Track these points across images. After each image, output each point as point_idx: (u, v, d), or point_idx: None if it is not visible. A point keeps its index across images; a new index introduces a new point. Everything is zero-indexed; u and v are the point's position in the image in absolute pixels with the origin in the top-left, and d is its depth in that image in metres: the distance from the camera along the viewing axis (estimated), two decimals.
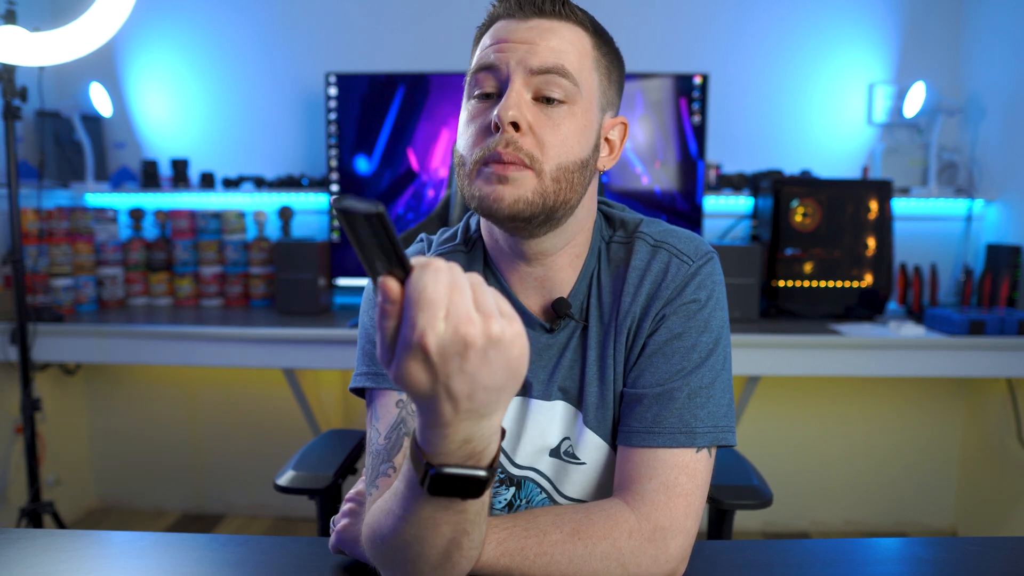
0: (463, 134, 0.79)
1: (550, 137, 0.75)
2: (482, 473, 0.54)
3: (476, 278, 0.51)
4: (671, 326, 0.79)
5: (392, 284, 0.48)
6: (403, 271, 0.49)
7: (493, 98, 0.77)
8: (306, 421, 2.39)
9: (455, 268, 0.50)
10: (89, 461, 2.73)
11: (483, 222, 0.87)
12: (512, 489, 0.84)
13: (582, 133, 0.77)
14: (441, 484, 0.54)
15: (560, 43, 0.76)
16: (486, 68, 0.77)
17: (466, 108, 0.80)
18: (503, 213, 0.75)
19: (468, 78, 0.80)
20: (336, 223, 2.50)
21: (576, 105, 0.77)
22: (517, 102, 0.74)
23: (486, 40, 0.79)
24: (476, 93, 0.78)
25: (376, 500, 0.72)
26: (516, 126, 0.74)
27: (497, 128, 0.74)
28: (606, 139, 0.83)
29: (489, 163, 0.75)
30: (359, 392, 0.84)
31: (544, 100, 0.76)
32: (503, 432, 0.58)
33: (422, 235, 0.93)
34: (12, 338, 2.13)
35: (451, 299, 0.48)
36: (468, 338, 0.48)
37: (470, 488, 0.55)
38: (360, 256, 0.49)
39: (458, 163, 0.79)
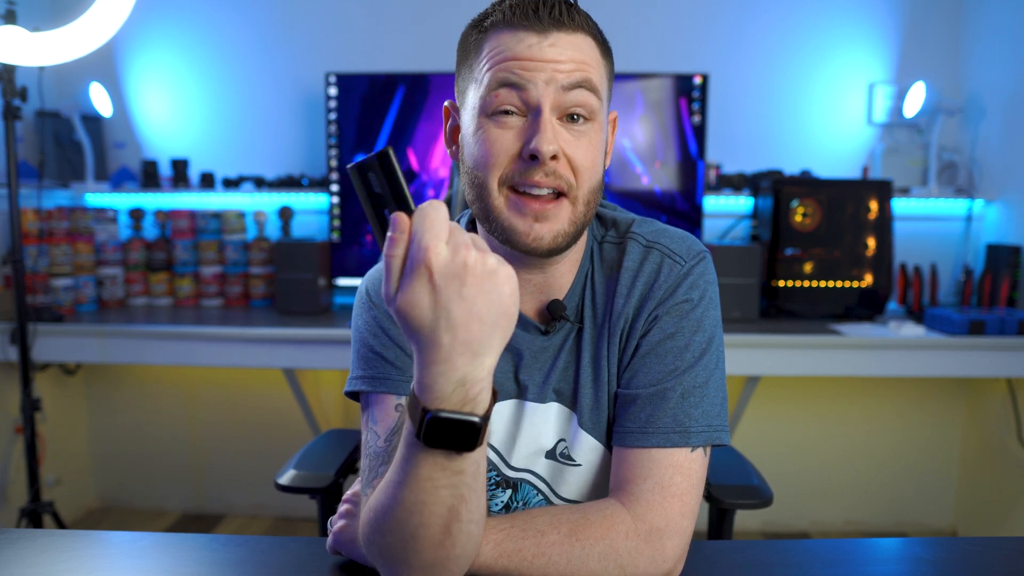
0: (482, 155, 0.75)
1: (582, 160, 0.75)
2: (476, 419, 0.57)
3: (472, 234, 0.58)
4: (664, 326, 0.79)
5: (403, 216, 0.56)
6: (409, 211, 0.56)
7: (514, 115, 0.74)
8: (306, 421, 2.39)
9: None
10: (89, 461, 2.73)
11: (480, 226, 0.86)
12: (508, 492, 0.84)
13: (601, 148, 0.78)
14: (437, 430, 0.57)
15: (582, 56, 0.75)
16: (510, 85, 0.74)
17: (481, 125, 0.75)
18: (542, 251, 0.76)
19: (482, 92, 0.75)
20: (336, 223, 2.50)
21: (596, 121, 0.76)
22: (554, 133, 0.73)
23: (500, 51, 0.74)
24: (498, 110, 0.74)
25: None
26: (554, 157, 0.73)
27: (533, 158, 0.73)
28: None
29: (521, 192, 0.74)
30: (354, 396, 0.83)
31: (569, 118, 0.75)
32: (495, 394, 0.60)
33: None
34: (12, 338, 2.13)
35: (451, 232, 0.55)
36: (468, 261, 0.54)
37: (465, 435, 0.57)
38: (370, 212, 0.57)
39: (475, 184, 0.77)
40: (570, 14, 0.75)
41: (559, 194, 0.75)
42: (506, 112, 0.74)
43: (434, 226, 0.54)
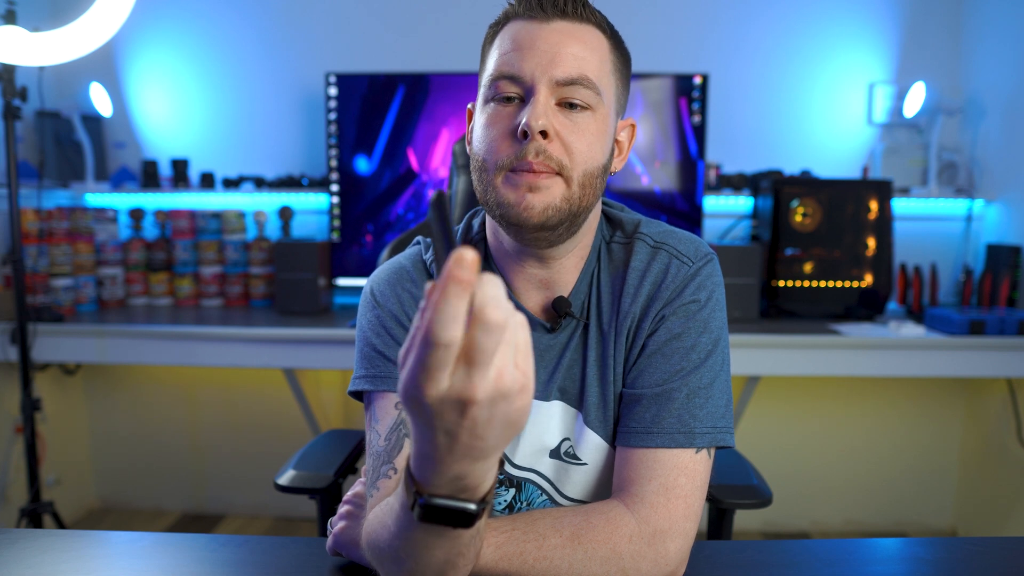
0: (483, 138, 0.78)
1: (577, 143, 0.75)
2: (472, 507, 0.52)
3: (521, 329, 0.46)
4: (671, 326, 0.79)
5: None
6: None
7: (515, 102, 0.76)
8: (306, 421, 2.39)
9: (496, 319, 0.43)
10: (89, 461, 2.72)
11: (488, 223, 0.86)
12: (512, 491, 0.84)
13: (603, 138, 0.78)
14: (430, 514, 0.52)
15: (583, 49, 0.75)
16: (508, 77, 0.76)
17: (484, 111, 0.78)
18: (532, 223, 0.75)
19: (486, 81, 0.78)
20: (336, 223, 2.50)
21: (598, 112, 0.77)
22: (545, 110, 0.74)
23: (505, 43, 0.77)
24: (498, 96, 0.77)
25: (376, 503, 0.72)
26: (544, 134, 0.74)
27: (525, 135, 0.73)
28: (616, 140, 0.83)
29: (517, 171, 0.75)
30: (357, 395, 0.84)
31: (568, 105, 0.76)
32: (503, 462, 0.57)
33: (418, 237, 0.92)
34: (12, 338, 2.13)
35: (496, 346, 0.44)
36: (506, 387, 0.45)
37: (460, 519, 0.53)
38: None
39: (478, 167, 0.78)
40: (574, 5, 0.76)
41: (555, 172, 0.75)
42: (507, 99, 0.76)
43: (493, 338, 0.43)
